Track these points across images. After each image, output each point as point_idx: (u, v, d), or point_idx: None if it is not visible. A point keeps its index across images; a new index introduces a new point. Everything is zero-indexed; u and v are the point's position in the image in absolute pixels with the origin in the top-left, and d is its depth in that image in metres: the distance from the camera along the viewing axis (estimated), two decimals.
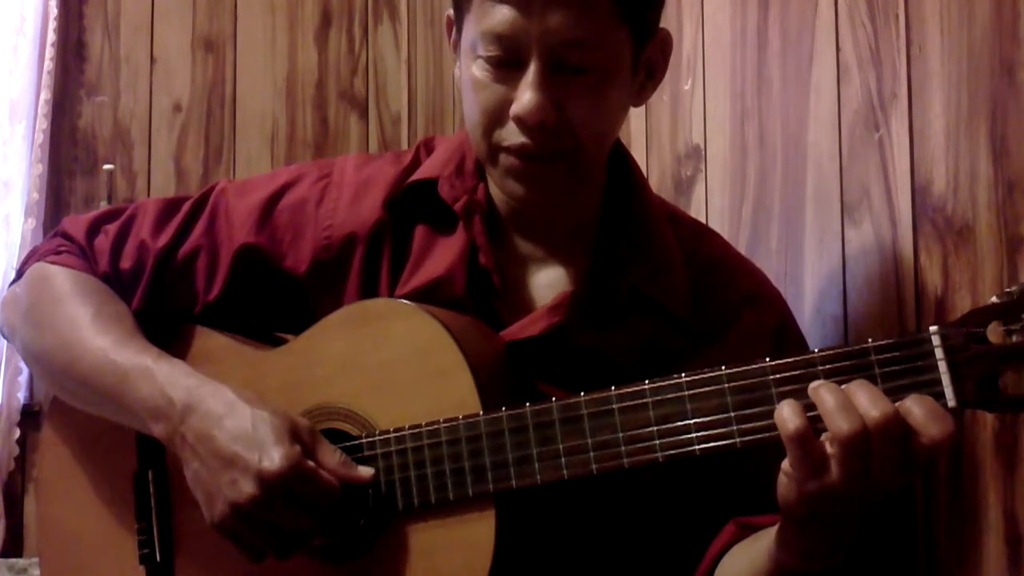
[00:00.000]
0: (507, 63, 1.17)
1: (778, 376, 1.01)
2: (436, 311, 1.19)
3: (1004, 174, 1.22)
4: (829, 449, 0.97)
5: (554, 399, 1.11)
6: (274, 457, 1.12)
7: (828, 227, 1.55)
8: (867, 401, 0.95)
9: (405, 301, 1.22)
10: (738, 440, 1.03)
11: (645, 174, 1.38)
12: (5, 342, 2.49)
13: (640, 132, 2.19)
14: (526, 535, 1.15)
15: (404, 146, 3.19)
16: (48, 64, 3.01)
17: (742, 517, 1.21)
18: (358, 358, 1.22)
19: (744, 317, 1.28)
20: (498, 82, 1.18)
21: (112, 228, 1.37)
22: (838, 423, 0.95)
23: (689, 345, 1.24)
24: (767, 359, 1.03)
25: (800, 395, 0.99)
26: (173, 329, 1.35)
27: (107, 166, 3.05)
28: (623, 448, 1.08)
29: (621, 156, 1.33)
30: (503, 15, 1.16)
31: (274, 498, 1.12)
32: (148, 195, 3.08)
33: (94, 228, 1.38)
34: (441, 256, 1.27)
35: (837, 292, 1.52)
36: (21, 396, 2.91)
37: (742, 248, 1.67)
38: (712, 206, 1.92)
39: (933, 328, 0.97)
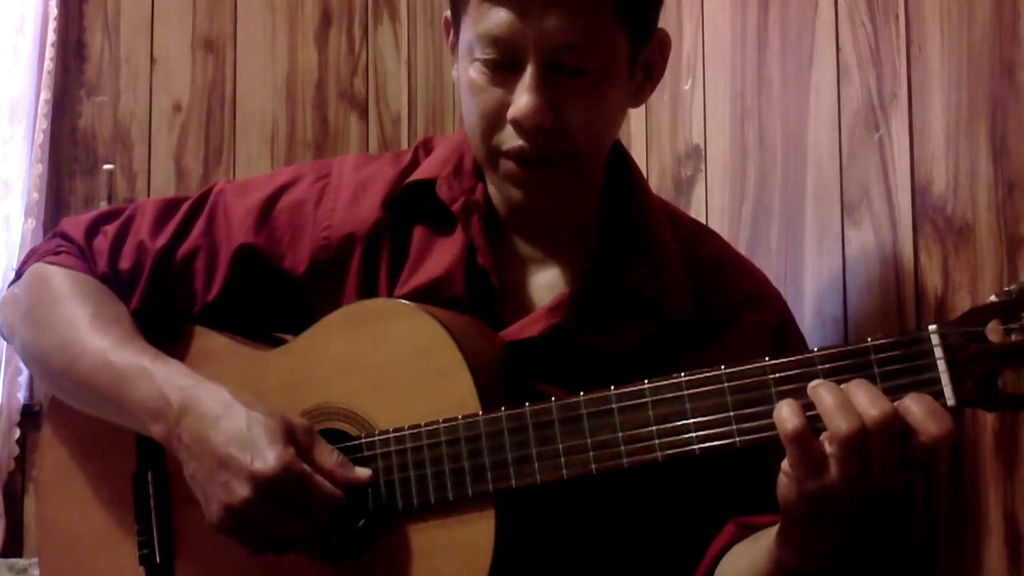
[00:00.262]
0: (504, 66, 1.17)
1: (777, 376, 1.01)
2: (436, 311, 1.19)
3: (1004, 174, 1.22)
4: (828, 448, 0.97)
5: (553, 399, 1.11)
6: (267, 459, 1.12)
7: (828, 227, 1.55)
8: (866, 400, 0.95)
9: (404, 301, 1.22)
10: (737, 440, 1.03)
11: (645, 174, 1.38)
12: (5, 342, 2.49)
13: (640, 132, 2.19)
14: (526, 535, 1.15)
15: (404, 146, 3.18)
16: (48, 64, 3.01)
17: (742, 517, 1.21)
18: (357, 358, 1.22)
19: (744, 317, 1.28)
20: (495, 85, 1.18)
21: (111, 229, 1.37)
22: (837, 422, 0.95)
23: (689, 345, 1.24)
24: (766, 359, 1.02)
25: (799, 395, 0.99)
26: (172, 330, 1.35)
27: (107, 166, 3.05)
28: (622, 448, 1.07)
29: (620, 157, 1.33)
30: (500, 18, 1.16)
31: (268, 500, 1.12)
32: (148, 195, 3.08)
33: (93, 229, 1.38)
34: (440, 256, 1.27)
35: (837, 292, 1.52)
36: (21, 396, 2.92)
37: (742, 248, 1.67)
38: (712, 206, 1.92)
39: (932, 327, 0.97)
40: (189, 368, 1.25)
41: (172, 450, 1.21)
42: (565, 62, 1.16)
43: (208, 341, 1.33)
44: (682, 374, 1.06)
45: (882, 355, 0.98)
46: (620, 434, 1.08)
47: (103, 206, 2.86)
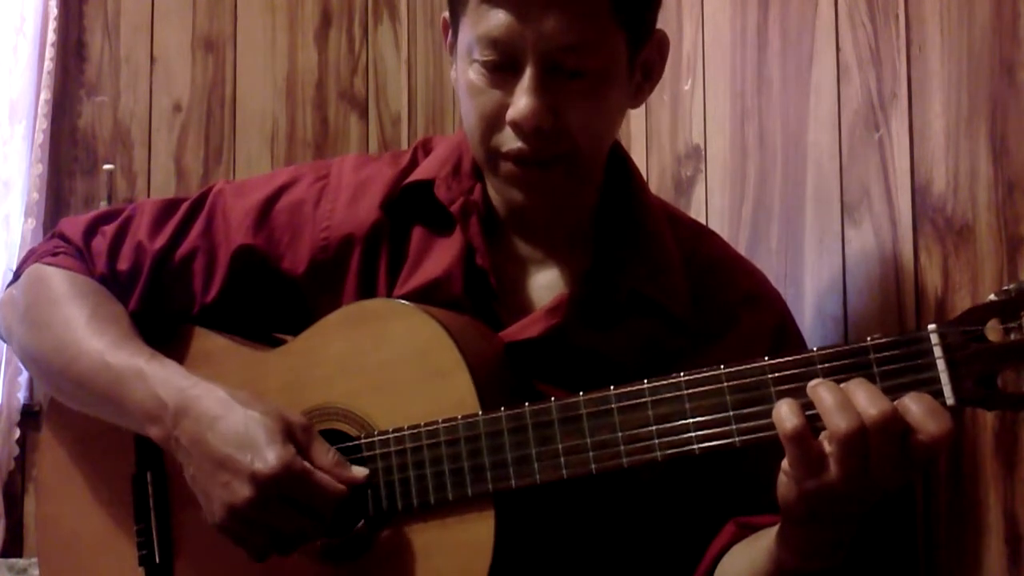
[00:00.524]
0: (503, 67, 1.17)
1: (777, 375, 1.01)
2: (435, 311, 1.19)
3: (1004, 174, 1.22)
4: (827, 448, 0.97)
5: (553, 399, 1.11)
6: (267, 458, 1.12)
7: (828, 227, 1.55)
8: (865, 399, 0.95)
9: (404, 301, 1.22)
10: (737, 439, 1.03)
11: (645, 174, 1.38)
12: (4, 342, 2.49)
13: (640, 132, 2.19)
14: (525, 535, 1.15)
15: (404, 146, 3.18)
16: (48, 64, 3.01)
17: (742, 517, 1.21)
18: (357, 359, 1.22)
19: (744, 317, 1.28)
20: (494, 87, 1.18)
21: (109, 229, 1.37)
22: (836, 421, 0.95)
23: (689, 345, 1.24)
24: (765, 358, 1.02)
25: (799, 394, 0.99)
26: (172, 330, 1.35)
27: (107, 166, 3.05)
28: (622, 448, 1.07)
29: (619, 157, 1.33)
30: (499, 19, 1.16)
31: (269, 499, 1.12)
32: (148, 195, 3.08)
33: (91, 229, 1.38)
34: (439, 257, 1.27)
35: (837, 292, 1.52)
36: (21, 396, 2.92)
37: (742, 248, 1.67)
38: (712, 206, 1.91)
39: (931, 326, 0.97)
40: (187, 369, 1.25)
41: (171, 452, 1.21)
42: (564, 64, 1.16)
43: (207, 342, 1.33)
44: (681, 374, 1.06)
45: (881, 355, 0.98)
46: (620, 434, 1.07)
47: (103, 206, 2.86)
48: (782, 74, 1.70)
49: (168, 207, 1.37)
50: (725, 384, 1.03)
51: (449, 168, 1.29)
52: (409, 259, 1.28)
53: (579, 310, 1.23)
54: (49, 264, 1.36)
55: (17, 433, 2.88)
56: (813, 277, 1.60)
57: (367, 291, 1.28)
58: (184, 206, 1.37)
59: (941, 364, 0.96)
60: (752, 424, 1.02)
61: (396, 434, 1.17)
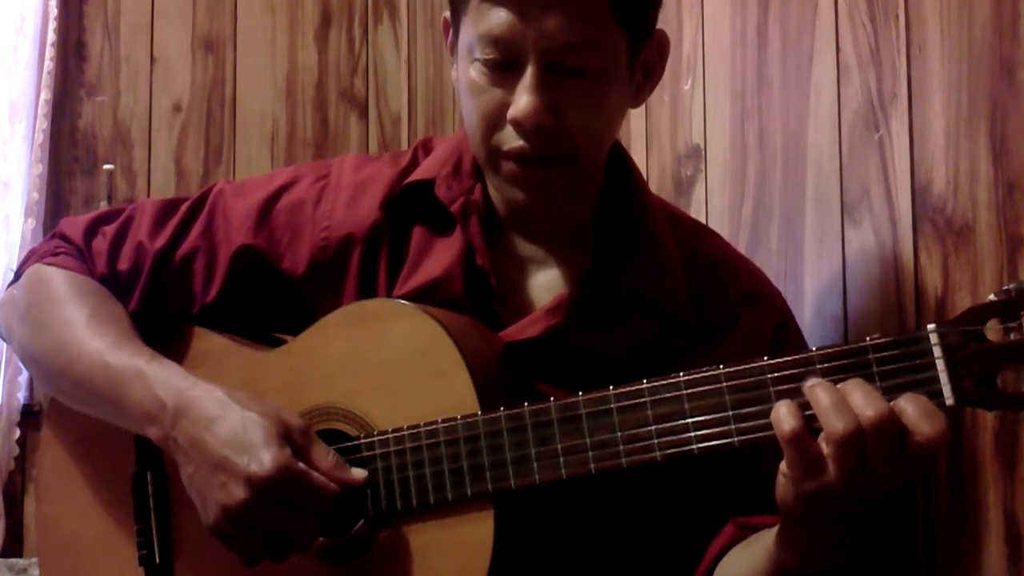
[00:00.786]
0: (504, 66, 1.18)
1: (776, 375, 1.01)
2: (435, 311, 1.19)
3: (1004, 174, 1.22)
4: (825, 449, 0.97)
5: (552, 399, 1.11)
6: (263, 460, 1.12)
7: (828, 227, 1.55)
8: (862, 400, 0.95)
9: (403, 301, 1.22)
10: (736, 439, 1.03)
11: (645, 174, 1.38)
12: (4, 342, 2.49)
13: (640, 132, 2.19)
14: (525, 536, 1.15)
15: (404, 146, 3.18)
16: (48, 64, 3.01)
17: (742, 517, 1.21)
18: (357, 358, 1.21)
19: (744, 317, 1.28)
20: (495, 85, 1.18)
21: (110, 229, 1.37)
22: (832, 422, 0.95)
23: (689, 345, 1.24)
24: (765, 358, 1.02)
25: (798, 394, 0.99)
26: (172, 330, 1.35)
27: (107, 166, 3.05)
28: (621, 447, 1.07)
29: (620, 157, 1.33)
30: (500, 18, 1.16)
31: (265, 501, 1.12)
32: (148, 195, 3.08)
33: (92, 229, 1.38)
34: (439, 257, 1.27)
35: (837, 292, 1.52)
36: (21, 396, 2.92)
37: (742, 248, 1.67)
38: (712, 206, 1.91)
39: (931, 326, 0.97)
40: (187, 369, 1.25)
41: (169, 452, 1.21)
42: (565, 62, 1.16)
43: (207, 342, 1.33)
44: (680, 374, 1.06)
45: (881, 354, 0.98)
46: (619, 434, 1.07)
47: (103, 206, 2.86)
48: (782, 74, 1.70)
49: (168, 207, 1.38)
50: (724, 384, 1.03)
51: (449, 168, 1.29)
52: (409, 259, 1.28)
53: (579, 310, 1.23)
54: (50, 264, 1.36)
55: (17, 433, 2.88)
56: (813, 277, 1.59)
57: (367, 291, 1.28)
58: (184, 206, 1.37)
59: (941, 364, 0.96)
60: (751, 424, 1.02)
61: (395, 434, 1.17)
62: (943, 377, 0.96)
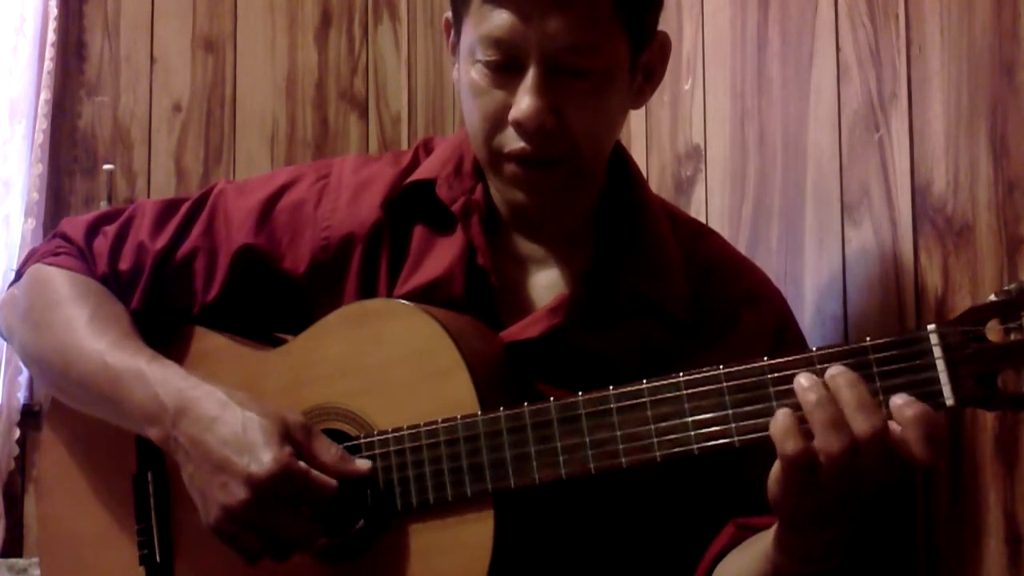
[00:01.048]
0: (506, 67, 1.18)
1: (776, 375, 1.01)
2: (435, 311, 1.19)
3: (1004, 174, 1.22)
4: (820, 457, 0.97)
5: (552, 399, 1.11)
6: (263, 460, 1.12)
7: (828, 227, 1.55)
8: (853, 413, 0.95)
9: (403, 301, 1.22)
10: (736, 439, 1.03)
11: (645, 174, 1.38)
12: (5, 342, 2.49)
13: (640, 132, 2.19)
14: (524, 536, 1.15)
15: (404, 146, 3.18)
16: (48, 64, 3.01)
17: (742, 518, 1.21)
18: (357, 358, 1.22)
19: (744, 317, 1.28)
20: (497, 87, 1.19)
21: (111, 229, 1.37)
22: (828, 441, 0.96)
23: (689, 346, 1.24)
24: (764, 358, 1.02)
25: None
26: (172, 330, 1.35)
27: (107, 166, 3.05)
28: (621, 447, 1.07)
29: (621, 158, 1.33)
30: (502, 20, 1.16)
31: (265, 501, 1.12)
32: (148, 195, 3.08)
33: (93, 229, 1.38)
34: (440, 257, 1.27)
35: (837, 292, 1.52)
36: (21, 396, 2.91)
37: (742, 248, 1.67)
38: (712, 206, 1.92)
39: (931, 326, 0.97)
40: (187, 368, 1.25)
41: (170, 453, 1.22)
42: (566, 64, 1.16)
43: (207, 341, 1.33)
44: (680, 374, 1.06)
45: (881, 354, 0.98)
46: (618, 433, 1.07)
47: (103, 206, 2.86)
48: (782, 74, 1.70)
49: (169, 207, 1.38)
50: (724, 384, 1.03)
51: (450, 168, 1.29)
52: (410, 258, 1.28)
53: (580, 310, 1.23)
54: (50, 264, 1.36)
55: (17, 433, 2.88)
56: (813, 277, 1.60)
57: (368, 291, 1.28)
58: (185, 206, 1.37)
59: (941, 364, 0.96)
60: (751, 424, 1.02)
61: (395, 434, 1.17)
62: (943, 377, 0.96)
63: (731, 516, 1.21)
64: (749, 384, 1.02)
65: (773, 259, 1.69)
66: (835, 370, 0.98)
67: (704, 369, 1.05)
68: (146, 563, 1.31)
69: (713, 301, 1.28)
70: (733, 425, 1.03)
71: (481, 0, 1.17)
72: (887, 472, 0.96)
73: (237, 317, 1.34)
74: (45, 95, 2.99)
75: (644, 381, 1.07)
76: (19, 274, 1.41)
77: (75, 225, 1.40)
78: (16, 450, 2.88)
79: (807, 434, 0.97)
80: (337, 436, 1.20)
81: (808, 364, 1.00)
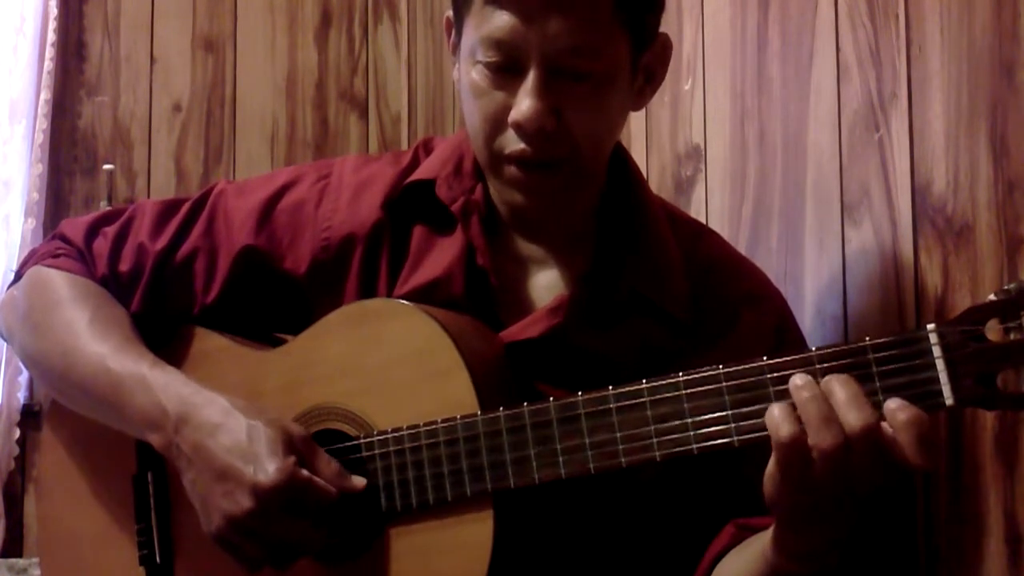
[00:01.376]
0: (506, 69, 1.18)
1: (776, 375, 1.01)
2: (434, 311, 1.19)
3: (1004, 174, 1.22)
4: (813, 454, 0.97)
5: (552, 399, 1.11)
6: (269, 470, 1.12)
7: (828, 227, 1.55)
8: (846, 409, 0.95)
9: (403, 301, 1.22)
10: (736, 439, 1.03)
11: (645, 174, 1.38)
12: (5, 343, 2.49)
13: (640, 132, 2.19)
14: (524, 536, 1.15)
15: (404, 146, 3.19)
16: (48, 64, 3.01)
17: (741, 518, 1.21)
18: (356, 358, 1.22)
19: (744, 317, 1.28)
20: (498, 88, 1.18)
21: (111, 231, 1.37)
22: (821, 436, 0.95)
23: (689, 346, 1.24)
24: (764, 358, 1.02)
25: None
26: (172, 330, 1.35)
27: (107, 166, 3.05)
28: (620, 447, 1.07)
29: (621, 159, 1.33)
30: (503, 21, 1.16)
31: (270, 511, 1.12)
32: (148, 195, 3.09)
33: (92, 231, 1.38)
34: (440, 257, 1.27)
35: (837, 292, 1.52)
36: (21, 396, 2.92)
37: (742, 248, 1.67)
38: (712, 206, 1.92)
39: (931, 326, 0.97)
40: (187, 369, 1.25)
41: (171, 459, 1.22)
42: (567, 66, 1.16)
43: (207, 342, 1.33)
44: (680, 374, 1.06)
45: (880, 354, 0.98)
46: (618, 434, 1.07)
47: (103, 206, 2.87)
48: (782, 74, 1.70)
49: (169, 208, 1.37)
50: (724, 384, 1.03)
51: (450, 168, 1.29)
52: (410, 258, 1.28)
53: (580, 310, 1.23)
54: (50, 266, 1.36)
55: (17, 433, 2.88)
56: (813, 277, 1.59)
57: (368, 291, 1.28)
58: (185, 207, 1.37)
59: (940, 364, 0.96)
60: (751, 424, 1.02)
61: (395, 434, 1.17)
62: (943, 377, 0.96)
63: (731, 516, 1.21)
64: (749, 384, 1.02)
65: (773, 259, 1.69)
66: (831, 375, 0.98)
67: (704, 369, 1.05)
68: (146, 563, 1.31)
69: (713, 301, 1.28)
70: (733, 425, 1.03)
71: (483, 1, 1.17)
72: (880, 472, 0.96)
73: (237, 317, 1.34)
74: (45, 95, 3.00)
75: (644, 381, 1.07)
76: (19, 275, 1.40)
77: (75, 226, 1.39)
78: (16, 450, 2.88)
79: (801, 422, 0.97)
80: (337, 436, 1.20)
81: (807, 364, 1.00)
